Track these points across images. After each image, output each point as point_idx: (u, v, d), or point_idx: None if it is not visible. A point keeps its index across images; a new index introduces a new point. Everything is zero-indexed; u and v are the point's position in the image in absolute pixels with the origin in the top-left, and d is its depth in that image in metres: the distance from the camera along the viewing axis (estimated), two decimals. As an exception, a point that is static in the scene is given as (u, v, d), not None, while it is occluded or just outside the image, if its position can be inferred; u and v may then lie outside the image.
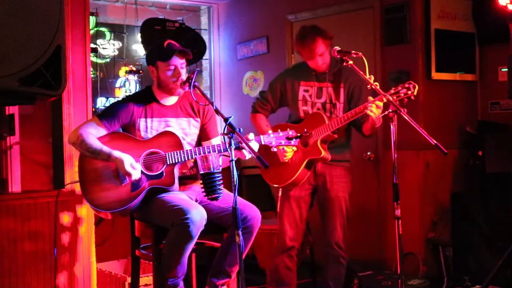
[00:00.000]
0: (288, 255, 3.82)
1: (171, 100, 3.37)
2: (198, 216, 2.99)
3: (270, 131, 3.19)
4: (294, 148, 3.59)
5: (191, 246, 3.04)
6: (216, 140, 3.42)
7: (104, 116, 3.29)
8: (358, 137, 4.94)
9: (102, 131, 3.24)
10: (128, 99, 3.40)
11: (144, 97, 3.36)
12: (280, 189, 3.85)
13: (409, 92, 3.23)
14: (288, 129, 3.19)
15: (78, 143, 3.19)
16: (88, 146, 3.17)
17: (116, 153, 3.14)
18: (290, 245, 3.81)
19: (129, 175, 3.11)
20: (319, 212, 3.89)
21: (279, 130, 3.18)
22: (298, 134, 3.14)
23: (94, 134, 3.21)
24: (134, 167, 3.12)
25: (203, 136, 3.42)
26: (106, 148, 3.16)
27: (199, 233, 3.02)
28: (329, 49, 3.70)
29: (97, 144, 3.17)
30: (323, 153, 3.63)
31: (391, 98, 3.14)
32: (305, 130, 3.34)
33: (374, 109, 3.37)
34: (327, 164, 3.76)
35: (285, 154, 3.66)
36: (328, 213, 3.79)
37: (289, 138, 3.13)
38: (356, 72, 3.75)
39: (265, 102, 3.92)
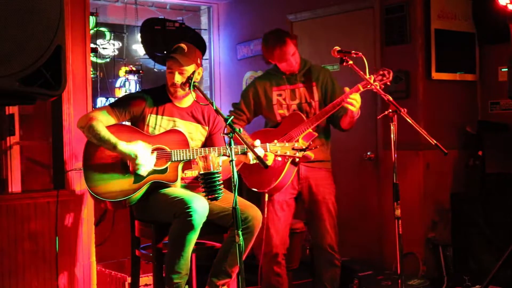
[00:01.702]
0: (276, 262, 3.78)
1: (184, 103, 3.39)
2: (200, 206, 3.01)
3: (275, 140, 3.20)
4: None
5: (194, 238, 3.05)
6: None
7: (116, 105, 3.31)
8: (357, 137, 4.96)
9: (112, 120, 3.26)
10: (142, 93, 3.43)
11: (159, 94, 3.38)
12: (266, 195, 3.78)
13: (385, 78, 3.24)
14: (294, 141, 3.20)
15: (87, 128, 3.19)
16: (96, 132, 3.16)
17: (123, 145, 3.13)
18: (276, 252, 3.77)
19: (137, 169, 3.12)
20: (308, 217, 3.87)
21: (285, 141, 3.19)
22: (304, 147, 3.16)
23: (104, 122, 3.21)
24: (144, 161, 3.12)
25: (209, 144, 3.42)
26: (113, 138, 3.16)
27: (201, 224, 3.03)
28: (297, 49, 3.75)
29: (105, 132, 3.17)
30: (306, 151, 3.61)
31: (391, 98, 3.13)
32: (311, 143, 3.35)
33: (354, 102, 3.42)
34: (310, 168, 3.75)
35: (266, 158, 3.48)
36: (318, 217, 3.77)
37: (295, 149, 3.15)
38: (325, 68, 3.82)
39: (240, 113, 3.87)
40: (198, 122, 3.41)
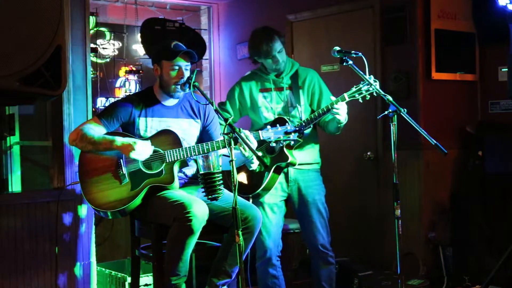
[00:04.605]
0: (271, 265, 3.75)
1: (172, 101, 3.37)
2: (200, 210, 2.99)
3: (268, 126, 3.18)
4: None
5: (193, 242, 3.04)
6: None
7: (103, 115, 3.29)
8: (357, 137, 4.96)
9: (102, 129, 3.25)
10: (128, 98, 3.42)
11: (145, 97, 3.36)
12: (250, 198, 3.72)
13: (371, 88, 3.22)
14: (287, 124, 3.18)
15: (79, 138, 3.18)
16: (89, 138, 3.16)
17: (120, 139, 3.13)
18: (269, 255, 3.74)
19: (135, 156, 3.12)
20: (298, 219, 3.84)
21: (277, 125, 3.18)
22: (297, 128, 3.14)
23: (95, 130, 3.22)
24: (141, 152, 3.11)
25: (206, 138, 3.41)
26: (108, 136, 3.16)
27: (201, 228, 3.02)
28: (284, 48, 3.71)
29: (98, 134, 3.17)
30: (291, 158, 3.58)
31: (390, 98, 3.13)
32: (303, 123, 3.33)
33: (340, 111, 3.40)
34: (299, 169, 3.72)
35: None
36: (308, 218, 3.75)
37: (287, 133, 3.12)
38: (313, 71, 3.78)
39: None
40: (190, 116, 3.40)
